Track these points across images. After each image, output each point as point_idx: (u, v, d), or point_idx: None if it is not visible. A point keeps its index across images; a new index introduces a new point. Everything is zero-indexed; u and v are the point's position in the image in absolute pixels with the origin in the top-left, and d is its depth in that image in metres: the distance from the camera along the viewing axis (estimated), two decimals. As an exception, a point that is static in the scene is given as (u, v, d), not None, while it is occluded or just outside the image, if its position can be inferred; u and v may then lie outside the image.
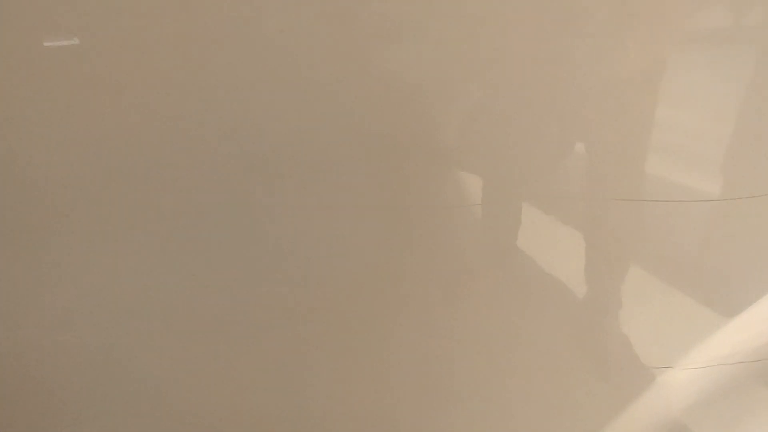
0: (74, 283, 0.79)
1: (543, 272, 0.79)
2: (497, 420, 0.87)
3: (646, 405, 0.84)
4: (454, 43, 0.68)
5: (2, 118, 0.70)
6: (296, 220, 0.75)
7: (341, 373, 0.84)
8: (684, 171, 0.74)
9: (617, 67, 0.69)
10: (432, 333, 0.82)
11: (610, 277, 0.80)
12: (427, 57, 0.68)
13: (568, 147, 0.74)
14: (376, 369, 0.84)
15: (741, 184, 0.73)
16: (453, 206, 0.76)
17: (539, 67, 0.69)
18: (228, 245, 0.77)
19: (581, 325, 0.83)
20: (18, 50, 0.68)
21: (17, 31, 0.67)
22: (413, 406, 0.86)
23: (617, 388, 0.84)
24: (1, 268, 0.79)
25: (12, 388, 0.87)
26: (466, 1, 0.66)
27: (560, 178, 0.75)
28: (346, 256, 0.78)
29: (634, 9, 0.67)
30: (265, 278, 0.78)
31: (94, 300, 0.80)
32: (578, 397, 0.85)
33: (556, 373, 0.84)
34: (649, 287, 0.80)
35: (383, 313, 0.81)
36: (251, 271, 0.78)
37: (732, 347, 0.81)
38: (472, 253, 0.79)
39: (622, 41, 0.68)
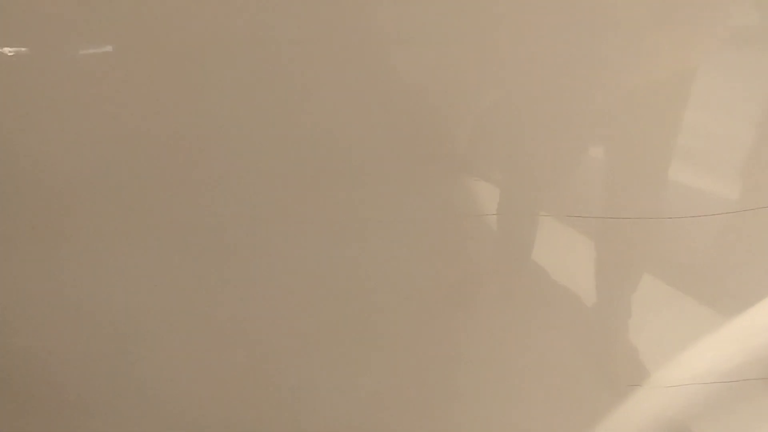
0: (82, 284, 0.79)
1: (554, 281, 0.78)
2: (500, 428, 0.87)
3: (649, 416, 0.83)
4: (469, 46, 0.67)
5: (30, 122, 0.71)
6: (305, 226, 0.75)
7: (348, 378, 0.84)
8: (706, 177, 0.72)
9: (640, 72, 0.68)
10: (441, 341, 0.82)
11: (622, 287, 0.79)
12: (441, 61, 0.67)
13: (587, 156, 0.73)
14: (382, 374, 0.84)
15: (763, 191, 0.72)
16: (466, 215, 0.75)
17: (557, 73, 0.68)
18: (240, 251, 0.77)
19: (591, 336, 0.83)
20: (51, 57, 0.69)
21: (49, 38, 0.68)
22: (417, 413, 0.86)
23: (622, 399, 0.83)
24: (8, 269, 0.79)
25: (15, 389, 0.87)
26: (482, 1, 0.65)
27: (577, 188, 0.74)
28: (356, 263, 0.77)
29: (658, 11, 0.66)
30: (274, 282, 0.78)
31: (100, 301, 0.80)
32: (579, 407, 0.85)
33: (563, 382, 0.84)
34: (661, 297, 0.78)
35: (393, 320, 0.81)
36: (260, 275, 0.78)
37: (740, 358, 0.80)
38: (484, 263, 0.79)
39: (646, 45, 0.67)
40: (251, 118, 0.70)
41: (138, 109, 0.70)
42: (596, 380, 0.83)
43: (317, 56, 0.67)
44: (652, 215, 0.74)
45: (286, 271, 0.78)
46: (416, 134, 0.70)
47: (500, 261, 0.79)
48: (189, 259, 0.77)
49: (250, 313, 0.80)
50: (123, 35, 0.67)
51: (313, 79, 0.68)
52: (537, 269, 0.78)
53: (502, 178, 0.74)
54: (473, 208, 0.75)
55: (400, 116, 0.69)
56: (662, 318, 0.79)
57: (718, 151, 0.72)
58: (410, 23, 0.66)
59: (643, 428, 0.82)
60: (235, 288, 0.79)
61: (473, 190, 0.75)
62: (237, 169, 0.72)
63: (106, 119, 0.70)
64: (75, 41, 0.68)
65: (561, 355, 0.82)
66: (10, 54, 0.68)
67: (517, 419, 0.86)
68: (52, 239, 0.77)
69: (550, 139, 0.71)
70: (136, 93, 0.69)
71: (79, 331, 0.82)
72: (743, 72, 0.67)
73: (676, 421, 0.81)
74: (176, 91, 0.69)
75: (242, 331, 0.81)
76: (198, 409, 0.87)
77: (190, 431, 0.88)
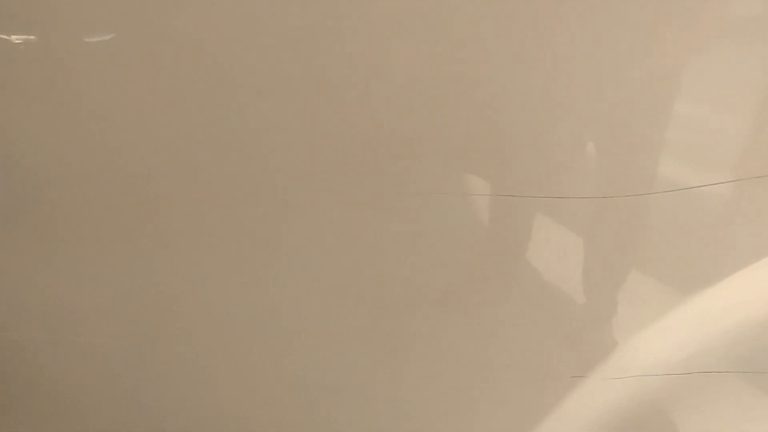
0: (86, 284, 0.81)
1: (543, 275, 0.77)
2: (482, 421, 0.85)
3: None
4: (464, 38, 0.66)
5: (37, 110, 0.73)
6: (295, 218, 0.75)
7: (335, 375, 0.84)
8: (697, 172, 0.71)
9: (632, 65, 0.67)
10: (427, 332, 0.81)
11: (610, 280, 0.77)
12: (436, 53, 0.67)
13: (577, 146, 0.72)
14: (370, 370, 0.83)
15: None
16: (457, 201, 0.74)
17: (549, 64, 0.67)
18: (231, 244, 0.77)
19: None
20: (59, 46, 0.71)
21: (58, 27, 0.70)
22: (402, 408, 0.85)
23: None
24: (10, 268, 0.81)
25: (16, 390, 0.89)
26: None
27: (568, 178, 0.73)
28: (346, 255, 0.77)
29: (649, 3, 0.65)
30: (265, 278, 0.79)
31: (103, 301, 0.82)
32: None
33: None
34: (646, 290, 0.75)
35: (384, 313, 0.80)
36: (254, 272, 0.78)
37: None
38: (473, 255, 0.78)
39: (635, 37, 0.66)
40: (257, 111, 0.70)
41: (143, 99, 0.71)
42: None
43: (321, 50, 0.67)
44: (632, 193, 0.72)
45: (277, 265, 0.78)
46: (408, 128, 0.70)
47: (491, 251, 0.79)
48: (190, 259, 0.78)
49: (247, 314, 0.81)
50: (129, 24, 0.69)
51: (317, 73, 0.68)
52: (527, 262, 0.77)
53: (496, 168, 0.74)
54: (465, 197, 0.75)
55: (394, 110, 0.70)
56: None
57: (709, 144, 0.71)
58: (408, 19, 0.66)
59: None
60: (231, 286, 0.79)
61: (465, 180, 0.75)
62: (242, 166, 0.73)
63: (112, 108, 0.72)
64: (83, 30, 0.70)
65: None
66: (17, 42, 0.71)
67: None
68: (53, 236, 0.79)
69: (542, 131, 0.71)
70: (141, 82, 0.71)
71: (85, 331, 0.84)
72: (734, 63, 0.67)
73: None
74: (181, 83, 0.70)
75: (237, 331, 0.82)
76: (198, 410, 0.88)
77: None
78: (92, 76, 0.71)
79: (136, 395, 0.88)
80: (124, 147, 0.74)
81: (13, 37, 0.71)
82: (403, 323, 0.81)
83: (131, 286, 0.80)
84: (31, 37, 0.71)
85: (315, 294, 0.79)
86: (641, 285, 0.76)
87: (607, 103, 0.69)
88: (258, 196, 0.75)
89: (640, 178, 0.72)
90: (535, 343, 0.81)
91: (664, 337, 0.75)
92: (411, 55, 0.68)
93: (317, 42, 0.67)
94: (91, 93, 0.72)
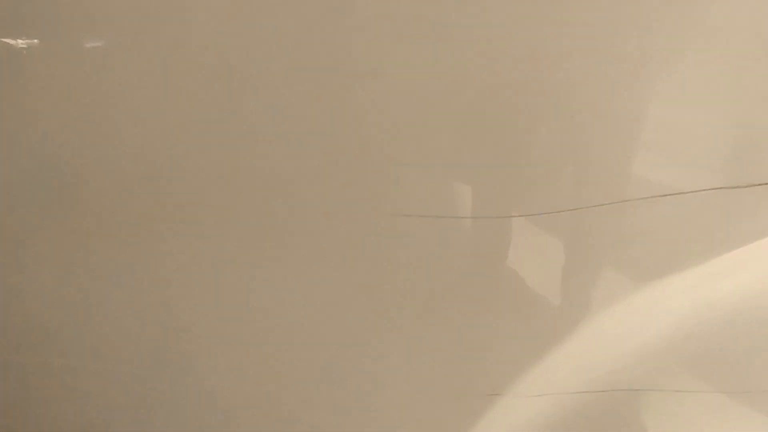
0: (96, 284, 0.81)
1: (526, 284, 0.76)
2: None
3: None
4: (450, 47, 0.67)
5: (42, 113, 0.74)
6: (281, 222, 0.75)
7: (318, 384, 0.84)
8: (679, 173, 0.70)
9: (605, 71, 0.67)
10: (411, 338, 0.80)
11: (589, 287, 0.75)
12: (414, 60, 0.67)
13: (562, 160, 0.72)
14: (353, 378, 0.83)
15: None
16: (438, 216, 0.74)
17: (528, 70, 0.67)
18: (223, 247, 0.78)
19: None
20: (62, 50, 0.71)
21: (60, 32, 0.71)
22: (382, 415, 0.85)
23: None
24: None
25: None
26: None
27: (550, 185, 0.73)
28: (326, 262, 0.77)
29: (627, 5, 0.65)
30: (253, 280, 0.79)
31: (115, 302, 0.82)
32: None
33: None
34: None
35: (366, 322, 0.80)
36: (246, 273, 0.79)
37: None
38: (455, 265, 0.76)
39: (612, 43, 0.66)
40: (252, 115, 0.71)
41: (147, 102, 0.72)
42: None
43: (317, 55, 0.68)
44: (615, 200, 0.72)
45: (266, 266, 0.79)
46: (388, 136, 0.70)
47: (472, 259, 0.77)
48: (194, 262, 0.79)
49: (240, 316, 0.81)
50: (132, 28, 0.70)
51: (313, 78, 0.69)
52: (511, 272, 0.76)
53: (479, 180, 0.74)
54: (445, 209, 0.74)
55: (373, 117, 0.70)
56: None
57: (692, 145, 0.71)
58: (402, 20, 0.67)
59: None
60: (220, 290, 0.79)
61: (446, 191, 0.75)
62: (242, 165, 0.73)
63: (116, 112, 0.73)
64: (86, 34, 0.71)
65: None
66: (22, 46, 0.73)
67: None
68: (55, 240, 0.78)
69: (526, 146, 0.72)
70: (145, 85, 0.71)
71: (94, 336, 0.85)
72: (718, 66, 0.67)
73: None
74: (183, 86, 0.71)
75: (222, 336, 0.82)
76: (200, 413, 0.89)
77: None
78: (96, 79, 0.72)
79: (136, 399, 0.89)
80: (127, 150, 0.74)
81: (18, 41, 0.73)
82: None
83: (132, 289, 0.81)
84: (35, 41, 0.73)
85: (303, 305, 0.80)
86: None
87: (587, 112, 0.70)
88: (252, 202, 0.75)
89: (619, 184, 0.71)
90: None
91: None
92: (389, 61, 0.68)
93: (315, 45, 0.68)
94: (94, 96, 0.73)
